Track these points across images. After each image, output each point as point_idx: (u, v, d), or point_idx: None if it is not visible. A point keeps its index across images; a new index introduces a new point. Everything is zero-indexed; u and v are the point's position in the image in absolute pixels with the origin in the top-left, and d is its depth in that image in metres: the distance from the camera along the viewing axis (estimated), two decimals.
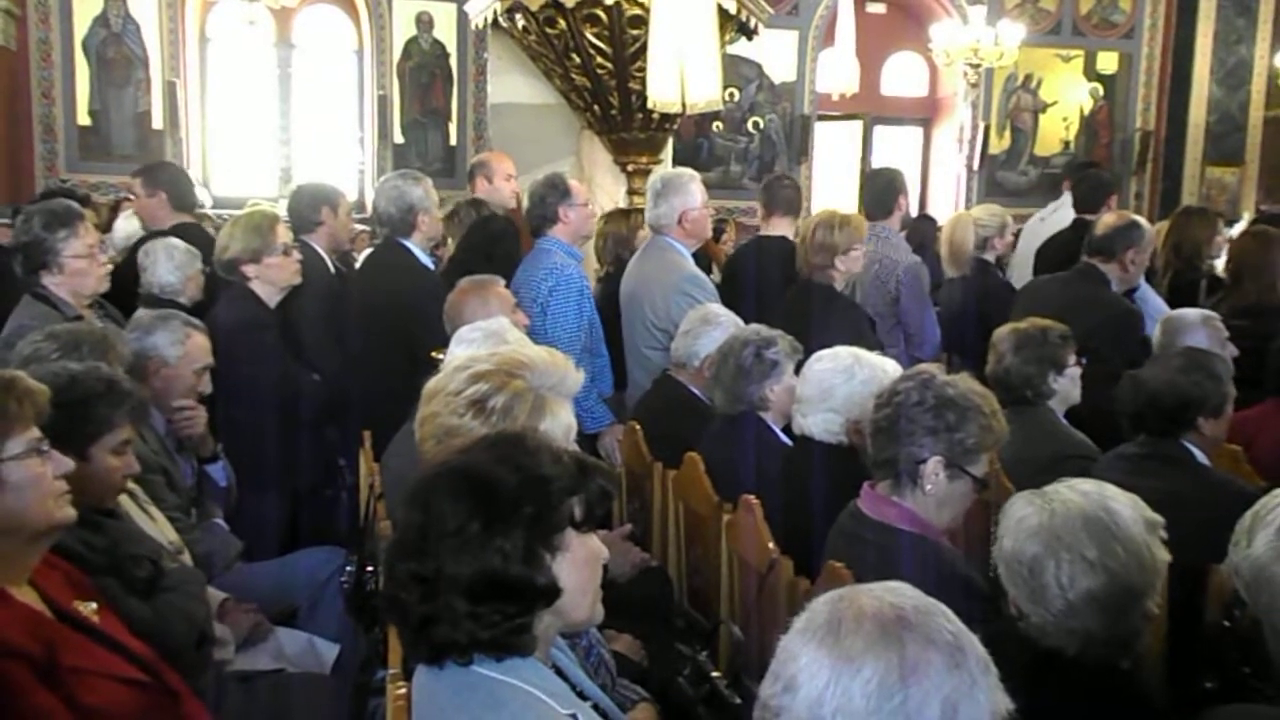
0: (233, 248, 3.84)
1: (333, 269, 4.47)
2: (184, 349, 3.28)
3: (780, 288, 4.29)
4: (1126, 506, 1.88)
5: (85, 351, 2.75)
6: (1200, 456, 2.90)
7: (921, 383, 2.32)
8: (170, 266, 4.32)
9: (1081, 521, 1.83)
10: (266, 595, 2.97)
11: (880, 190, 4.87)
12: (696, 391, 3.66)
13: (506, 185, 4.86)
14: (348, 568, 2.70)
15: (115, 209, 7.42)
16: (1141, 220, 4.34)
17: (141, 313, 3.63)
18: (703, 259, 5.54)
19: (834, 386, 2.86)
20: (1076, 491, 1.90)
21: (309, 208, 4.40)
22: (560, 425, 2.09)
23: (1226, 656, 1.99)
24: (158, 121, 10.19)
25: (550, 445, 1.64)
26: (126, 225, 5.26)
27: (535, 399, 2.06)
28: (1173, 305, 4.39)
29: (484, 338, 2.74)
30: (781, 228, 4.68)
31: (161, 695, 2.03)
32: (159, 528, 2.76)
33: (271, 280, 3.86)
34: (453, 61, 10.75)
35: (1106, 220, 4.34)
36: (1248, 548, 1.38)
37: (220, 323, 3.73)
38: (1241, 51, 12.08)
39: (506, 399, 2.05)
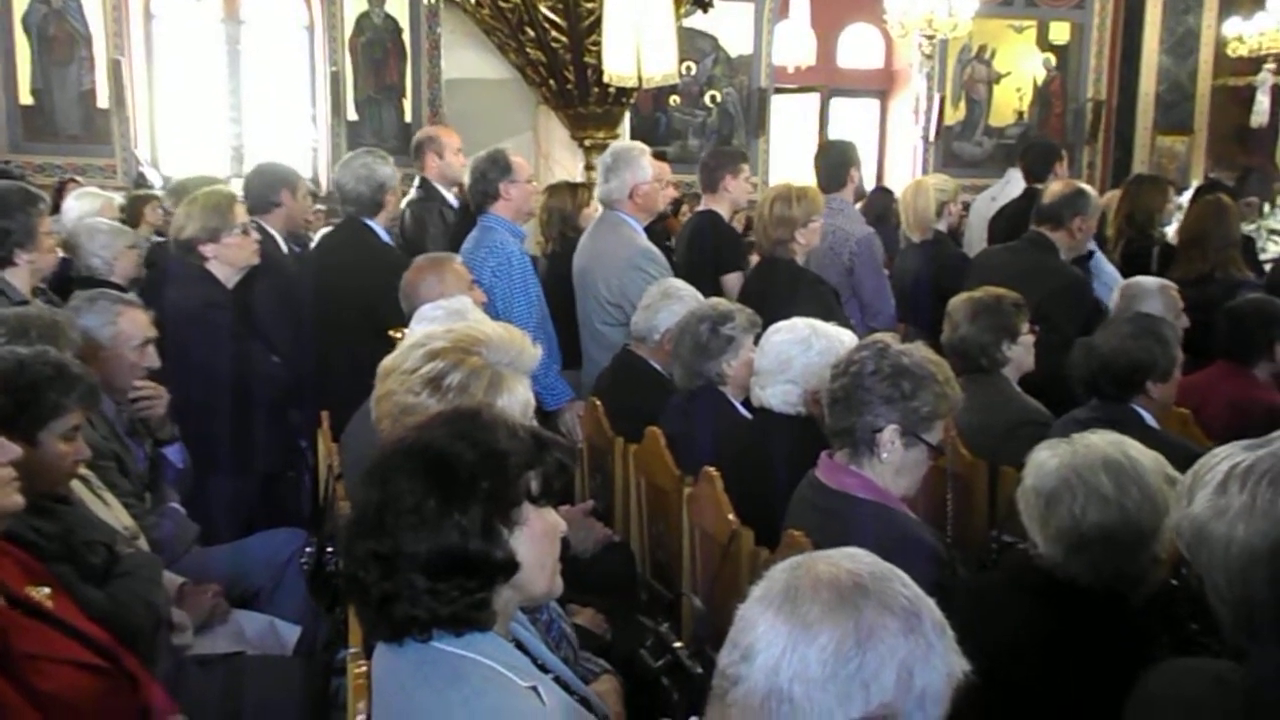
0: (190, 227, 3.76)
1: (286, 250, 4.40)
2: (116, 328, 3.19)
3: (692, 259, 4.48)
4: (1148, 457, 2.00)
5: (34, 336, 2.69)
6: (1150, 419, 2.96)
7: (877, 352, 2.34)
8: (94, 248, 4.22)
9: (1102, 461, 1.96)
10: (225, 579, 2.94)
11: (833, 163, 4.88)
12: (657, 366, 3.66)
13: (456, 160, 4.78)
14: (308, 549, 2.69)
15: (61, 189, 7.28)
16: (1088, 188, 4.39)
17: (74, 297, 3.56)
18: (663, 234, 5.53)
19: (791, 358, 2.87)
20: (1102, 438, 2.03)
21: (268, 188, 4.31)
22: (517, 401, 2.08)
23: (1175, 614, 2.04)
24: (103, 100, 9.96)
25: (506, 420, 1.64)
26: (78, 205, 5.15)
27: (492, 375, 2.06)
28: (1126, 273, 4.42)
29: (446, 315, 2.73)
30: (709, 202, 4.70)
31: (119, 680, 2.01)
32: (113, 513, 2.72)
33: (230, 260, 3.79)
34: (406, 37, 10.59)
35: (1054, 189, 4.39)
36: (1189, 506, 1.41)
37: (174, 304, 3.67)
38: (1190, 21, 12.22)
39: (463, 376, 2.04)
